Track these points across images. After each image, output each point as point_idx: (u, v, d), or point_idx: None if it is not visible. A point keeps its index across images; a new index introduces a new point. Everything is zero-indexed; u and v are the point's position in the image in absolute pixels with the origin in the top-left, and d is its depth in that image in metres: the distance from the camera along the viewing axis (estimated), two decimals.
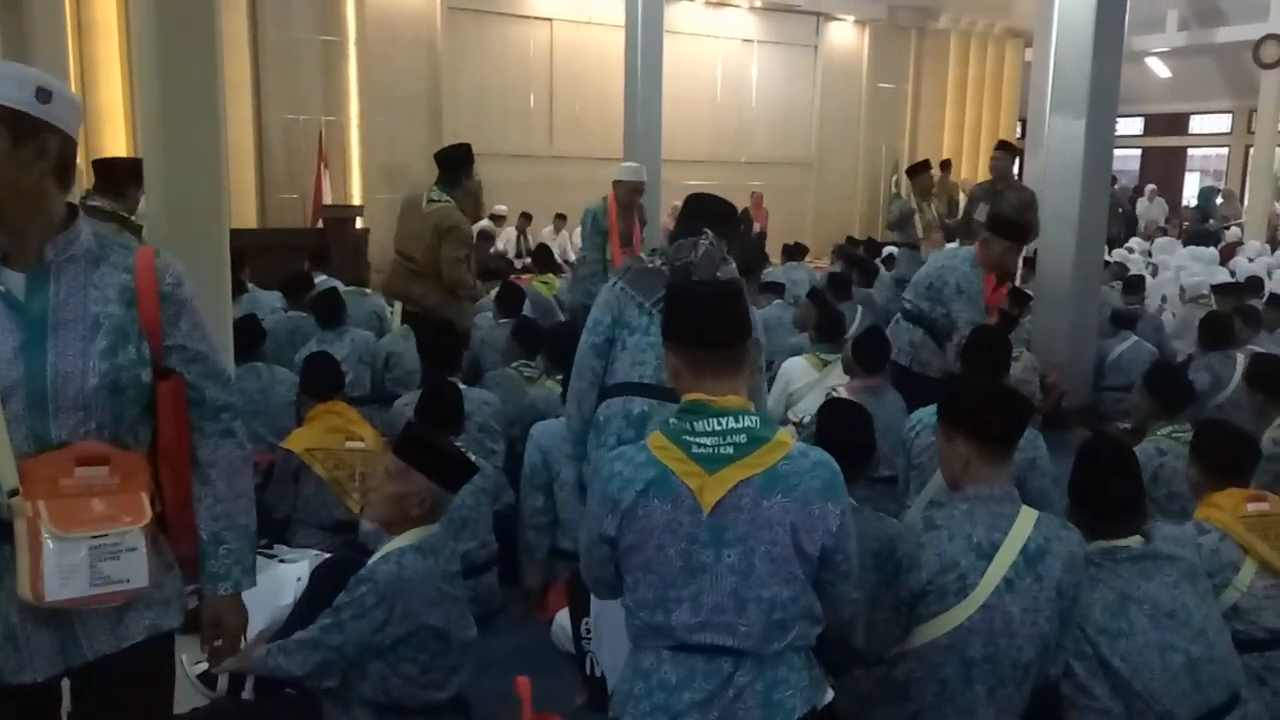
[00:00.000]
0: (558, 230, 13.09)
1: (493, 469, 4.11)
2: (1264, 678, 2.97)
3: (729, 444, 2.01)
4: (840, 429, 3.11)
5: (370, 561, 2.71)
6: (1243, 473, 3.18)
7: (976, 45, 17.26)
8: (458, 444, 3.84)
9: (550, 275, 8.27)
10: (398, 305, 5.93)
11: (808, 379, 5.14)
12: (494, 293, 6.63)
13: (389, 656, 2.64)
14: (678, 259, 2.98)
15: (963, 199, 14.61)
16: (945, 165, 15.52)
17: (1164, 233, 14.86)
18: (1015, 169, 7.76)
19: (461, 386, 4.40)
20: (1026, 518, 2.47)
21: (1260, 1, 15.38)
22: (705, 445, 2.01)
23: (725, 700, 1.98)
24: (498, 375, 5.18)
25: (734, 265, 3.04)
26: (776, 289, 7.59)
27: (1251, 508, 3.04)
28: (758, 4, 14.90)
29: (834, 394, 4.59)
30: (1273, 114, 15.76)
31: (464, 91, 12.79)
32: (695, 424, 2.04)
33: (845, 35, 16.02)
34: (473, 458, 3.82)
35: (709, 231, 3.02)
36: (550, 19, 13.47)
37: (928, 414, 3.79)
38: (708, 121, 14.66)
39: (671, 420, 2.09)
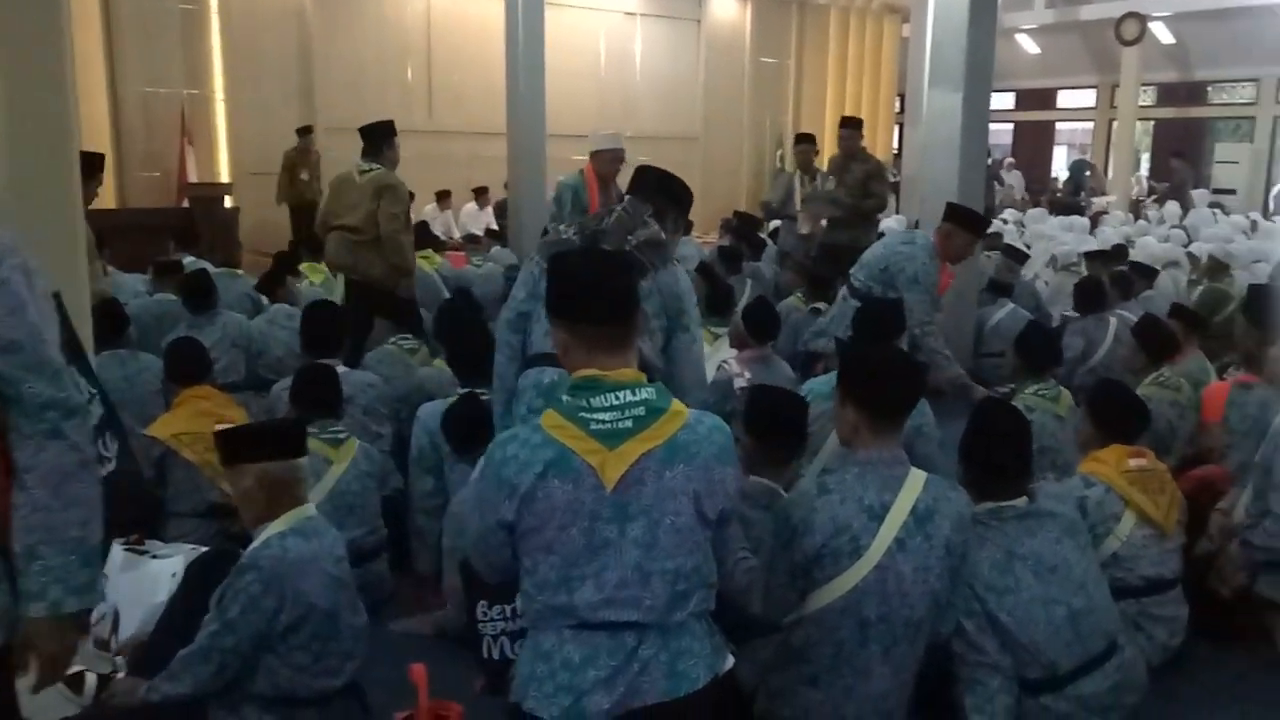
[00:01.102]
0: (442, 207, 12.78)
1: (379, 453, 4.00)
2: (1139, 623, 3.14)
3: (628, 418, 1.99)
4: (776, 419, 3.12)
5: (249, 549, 2.63)
6: (1132, 432, 3.35)
7: (856, 20, 17.52)
8: (339, 428, 3.75)
9: (429, 250, 8.03)
10: (341, 277, 6.01)
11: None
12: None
13: (279, 647, 2.57)
14: (588, 228, 2.99)
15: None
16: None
17: (1024, 204, 15.40)
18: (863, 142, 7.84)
19: (342, 369, 4.26)
20: (915, 479, 2.52)
21: None
22: (604, 421, 1.98)
23: (630, 674, 1.96)
24: (379, 353, 5.05)
25: (655, 228, 3.00)
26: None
27: (1133, 463, 3.23)
28: None
29: (723, 367, 4.61)
30: (1134, 89, 16.46)
31: (337, 63, 12.33)
32: (591, 400, 2.00)
33: (728, 9, 16.06)
34: (357, 443, 3.76)
35: (629, 198, 3.07)
36: None
37: (818, 383, 3.85)
38: (592, 95, 14.50)
39: (565, 398, 2.04)
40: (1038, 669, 2.73)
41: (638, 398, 2.01)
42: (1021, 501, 2.83)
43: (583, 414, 1.99)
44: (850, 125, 7.57)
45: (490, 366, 3.63)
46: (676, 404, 2.06)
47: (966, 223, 4.93)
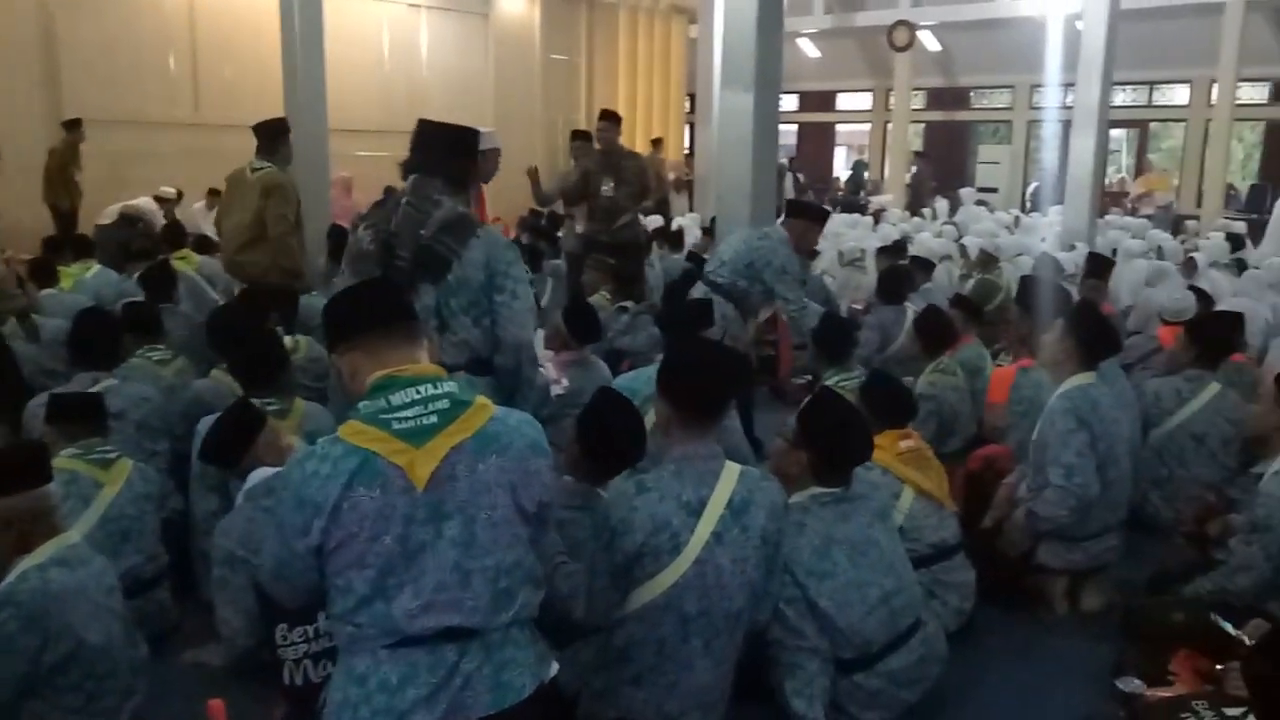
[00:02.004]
0: (211, 205, 11.95)
1: (156, 472, 3.67)
2: (934, 591, 3.29)
3: (432, 412, 1.91)
4: (612, 423, 3.04)
5: (3, 584, 2.39)
6: (902, 417, 3.55)
7: (644, 20, 17.73)
8: (109, 447, 3.42)
9: (187, 251, 7.51)
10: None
11: None
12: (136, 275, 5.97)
13: (45, 690, 2.37)
14: (382, 232, 3.00)
15: (671, 177, 15.18)
16: (656, 143, 15.95)
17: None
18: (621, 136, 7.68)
19: (112, 382, 3.92)
20: (730, 472, 2.54)
21: None
22: (407, 418, 1.89)
23: (453, 690, 1.87)
24: (125, 367, 4.45)
25: (449, 205, 2.98)
26: None
27: (904, 445, 3.43)
28: None
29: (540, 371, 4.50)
30: (905, 93, 17.42)
31: (86, 50, 11.24)
32: (391, 398, 1.90)
33: (516, 4, 15.90)
34: (131, 463, 3.44)
35: (413, 179, 3.02)
36: None
37: (625, 381, 3.83)
38: (376, 89, 14.01)
39: (362, 404, 1.93)
40: (852, 649, 2.81)
41: (440, 391, 1.94)
42: (840, 488, 2.91)
43: (383, 415, 1.89)
44: (609, 119, 7.47)
45: (277, 373, 3.44)
46: (481, 398, 2.00)
47: (814, 215, 5.27)
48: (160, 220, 9.94)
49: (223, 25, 12.45)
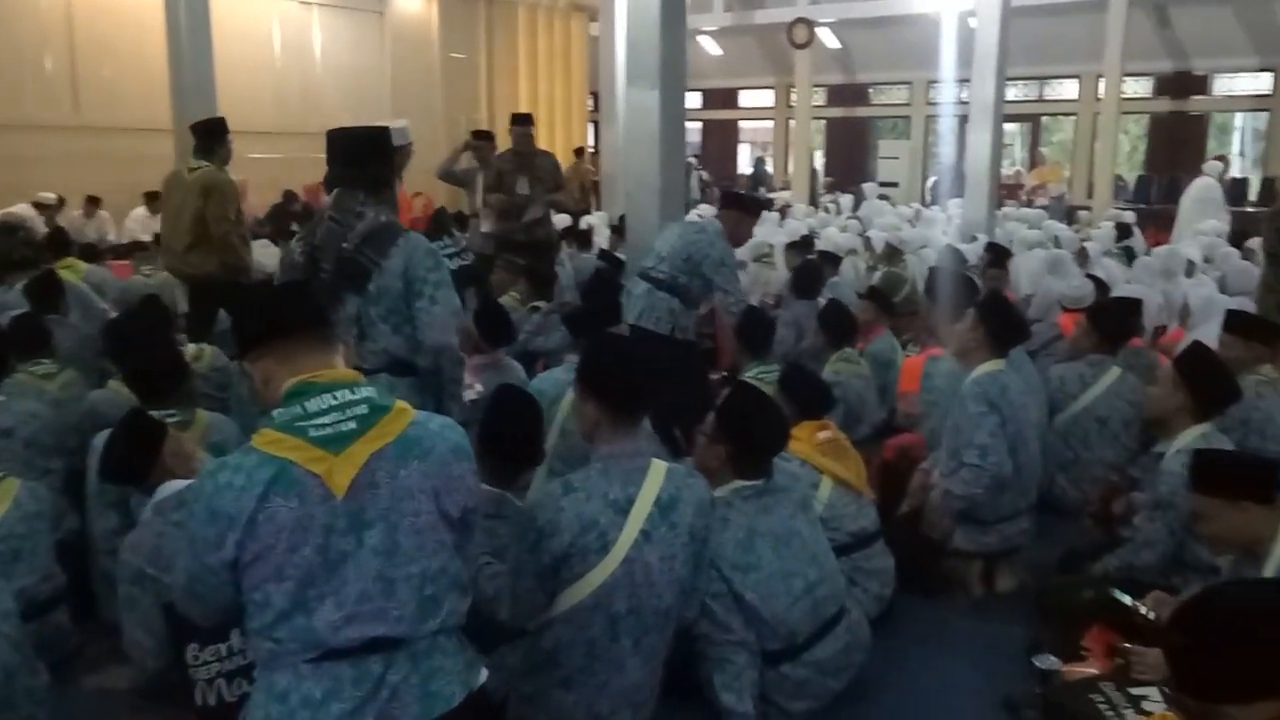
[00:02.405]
0: (87, 214, 11.50)
1: (48, 490, 3.49)
2: (854, 579, 3.33)
3: (350, 418, 1.85)
4: (509, 426, 3.00)
5: None
6: (820, 408, 3.61)
7: (544, 18, 17.64)
8: None
9: (72, 260, 7.15)
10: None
11: None
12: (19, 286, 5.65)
13: None
14: (309, 244, 3.13)
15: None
16: (579, 152, 15.84)
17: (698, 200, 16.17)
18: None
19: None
20: (657, 470, 2.53)
21: None
22: (324, 425, 1.83)
23: (380, 702, 1.81)
24: (9, 384, 4.15)
25: (371, 213, 3.10)
26: None
27: (821, 436, 3.48)
28: None
29: None
30: (806, 90, 17.65)
31: None
32: (307, 405, 1.84)
33: (413, 1, 15.66)
34: (19, 482, 3.26)
35: (335, 194, 3.12)
36: None
37: (534, 383, 3.80)
38: (269, 88, 13.64)
39: (277, 411, 1.86)
40: (778, 640, 2.83)
41: (358, 396, 1.88)
42: (762, 481, 2.93)
43: (299, 423, 1.83)
44: (523, 122, 7.56)
45: (177, 383, 3.32)
46: (401, 402, 1.94)
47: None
48: (41, 227, 9.48)
49: (102, 23, 12.01)
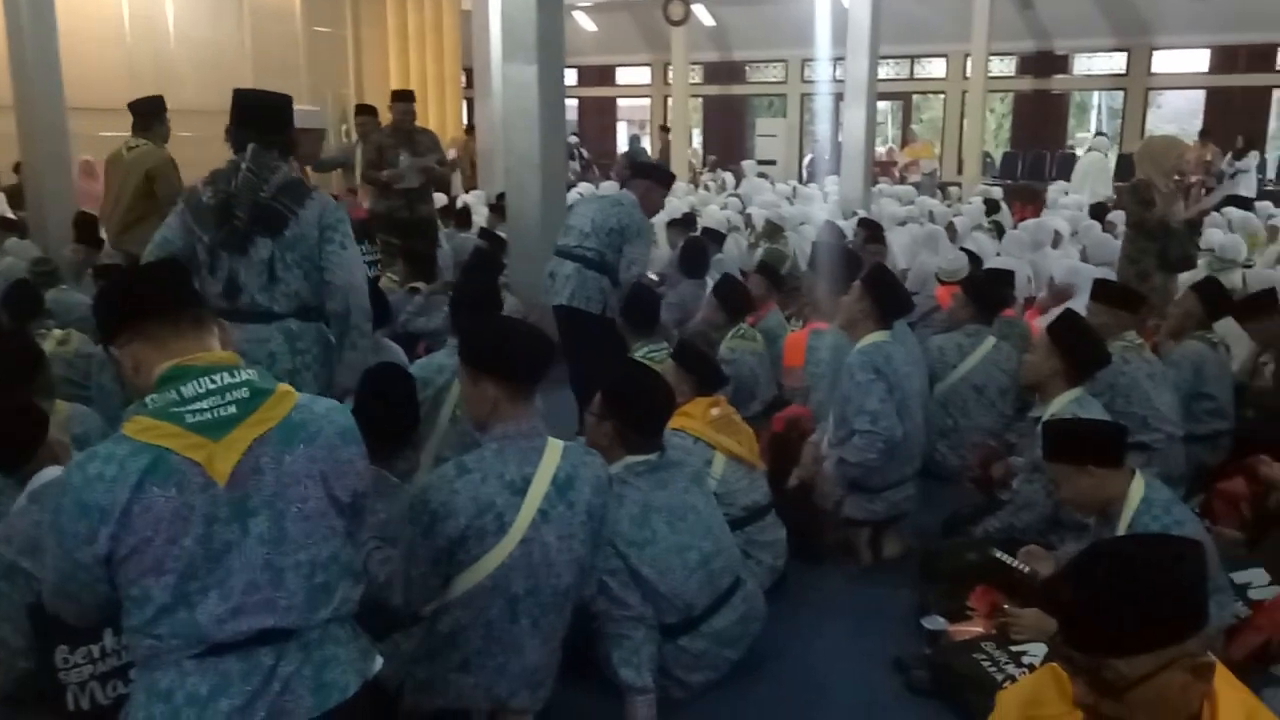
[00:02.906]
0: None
1: None
2: (748, 551, 3.37)
3: (230, 402, 1.77)
4: (380, 399, 2.99)
5: None
6: (714, 385, 3.67)
7: None
8: None
9: None
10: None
11: None
12: None
13: None
14: (221, 191, 3.23)
15: (452, 154, 14.80)
16: (470, 130, 15.47)
17: (596, 178, 16.13)
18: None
19: None
20: (554, 449, 2.50)
21: None
22: (202, 410, 1.74)
23: (271, 696, 1.75)
24: None
25: (284, 169, 3.29)
26: None
27: (715, 412, 3.51)
28: None
29: None
30: (683, 67, 17.70)
31: None
32: (183, 390, 1.75)
33: None
34: None
35: (251, 148, 3.22)
36: None
37: (420, 368, 3.73)
38: (120, 64, 12.89)
39: (150, 397, 1.76)
40: (675, 613, 2.84)
41: (238, 379, 1.79)
42: (655, 455, 2.93)
43: (175, 408, 1.73)
44: (405, 99, 7.49)
45: (32, 373, 3.20)
46: (284, 386, 1.86)
47: (660, 178, 5.25)
48: None
49: None
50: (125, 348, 1.85)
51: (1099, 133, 14.95)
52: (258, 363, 2.97)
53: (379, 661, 1.97)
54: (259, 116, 3.34)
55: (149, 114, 6.12)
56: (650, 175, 5.24)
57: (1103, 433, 2.85)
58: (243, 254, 3.24)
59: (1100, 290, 4.32)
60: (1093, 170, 12.35)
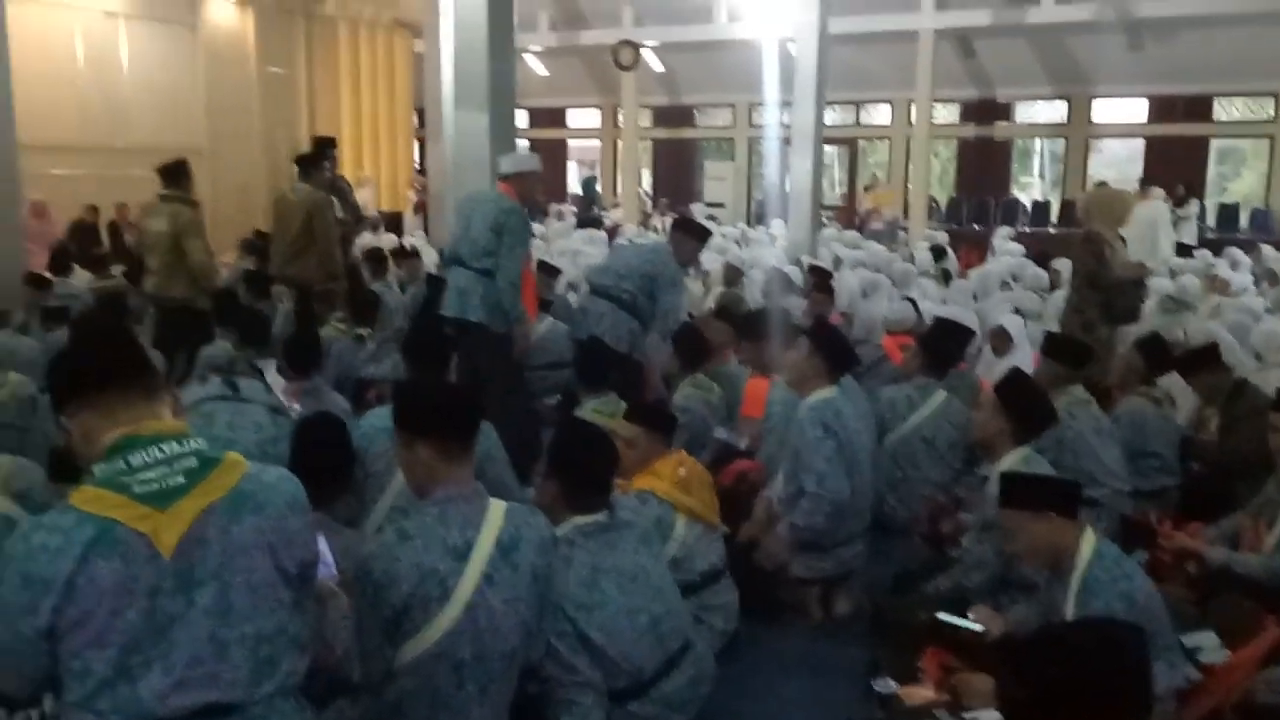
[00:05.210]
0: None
1: None
2: (700, 616, 3.32)
3: (178, 472, 1.76)
4: (314, 446, 3.01)
5: None
6: (665, 431, 3.60)
7: (366, 34, 17.17)
8: None
9: None
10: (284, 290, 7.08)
11: None
12: None
13: None
14: None
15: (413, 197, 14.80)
16: (422, 172, 15.45)
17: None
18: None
19: None
20: (496, 511, 2.47)
21: (615, 8, 17.26)
22: (150, 480, 1.73)
23: None
24: None
25: None
26: None
27: (681, 472, 3.44)
28: None
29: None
30: (633, 111, 17.85)
31: None
32: (131, 459, 1.74)
33: (226, 15, 15.00)
34: None
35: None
36: None
37: (377, 418, 3.65)
38: (71, 103, 12.81)
39: (98, 467, 1.74)
40: (625, 678, 2.79)
41: (186, 449, 1.79)
42: (603, 515, 2.88)
43: (123, 478, 1.72)
44: (330, 145, 8.10)
45: None
46: (233, 455, 1.86)
47: (695, 232, 5.33)
48: None
49: None
50: (75, 417, 1.83)
51: (1144, 182, 13.22)
52: None
53: None
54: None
55: (310, 161, 7.16)
56: (686, 230, 5.36)
57: (1062, 482, 2.91)
58: None
59: (1050, 344, 4.37)
60: (1160, 222, 11.05)
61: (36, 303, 6.70)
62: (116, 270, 8.76)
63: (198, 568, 1.74)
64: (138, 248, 7.06)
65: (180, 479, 1.75)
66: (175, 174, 6.54)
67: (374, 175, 16.44)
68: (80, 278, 8.53)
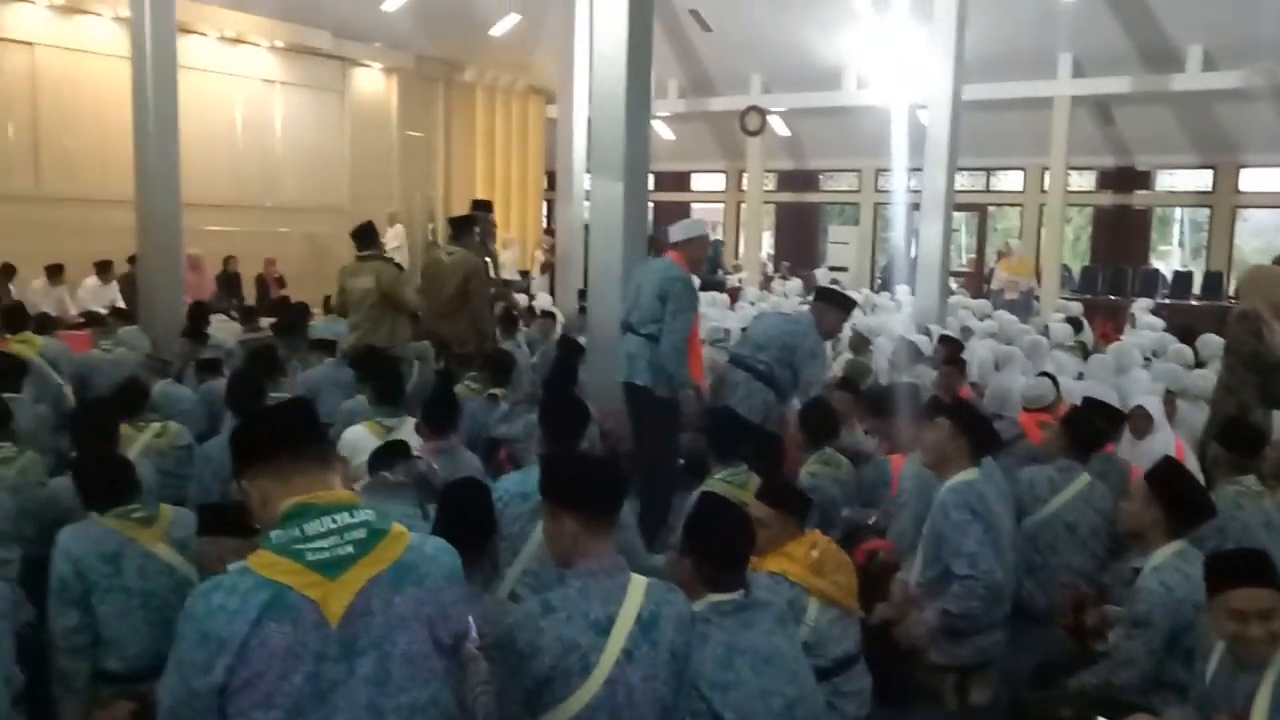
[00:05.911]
0: (54, 283, 11.31)
1: (4, 582, 3.30)
2: (832, 703, 3.25)
3: (348, 542, 1.83)
4: (460, 512, 3.01)
5: None
6: (804, 517, 3.49)
7: (501, 99, 17.83)
8: None
9: (28, 334, 6.93)
10: (426, 344, 7.33)
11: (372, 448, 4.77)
12: None
13: None
14: None
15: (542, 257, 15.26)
16: (550, 232, 15.92)
17: None
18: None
19: None
20: (637, 586, 2.49)
21: (743, 76, 17.47)
22: (321, 549, 1.80)
23: None
24: None
25: None
26: (327, 346, 7.04)
27: (814, 554, 3.35)
28: (279, 44, 14.19)
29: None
30: (758, 175, 17.96)
31: None
32: (305, 527, 1.81)
33: (373, 82, 15.79)
34: None
35: None
36: (31, 43, 11.67)
37: (512, 482, 3.71)
38: (228, 164, 13.66)
39: (274, 533, 1.83)
40: None
41: (356, 519, 1.86)
42: (739, 594, 2.84)
43: (296, 545, 1.80)
44: (476, 209, 8.47)
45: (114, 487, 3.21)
46: (398, 526, 1.92)
47: (838, 303, 5.34)
48: None
49: (65, 96, 11.98)
50: (254, 481, 1.92)
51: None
52: None
53: None
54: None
55: (463, 226, 7.54)
56: (829, 299, 5.35)
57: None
58: None
59: (1224, 430, 4.16)
60: None
61: (191, 353, 7.04)
62: (265, 323, 9.14)
63: (361, 637, 1.79)
64: (340, 307, 7.44)
65: (349, 549, 1.82)
66: (366, 236, 7.00)
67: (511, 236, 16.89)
68: (220, 330, 8.88)
